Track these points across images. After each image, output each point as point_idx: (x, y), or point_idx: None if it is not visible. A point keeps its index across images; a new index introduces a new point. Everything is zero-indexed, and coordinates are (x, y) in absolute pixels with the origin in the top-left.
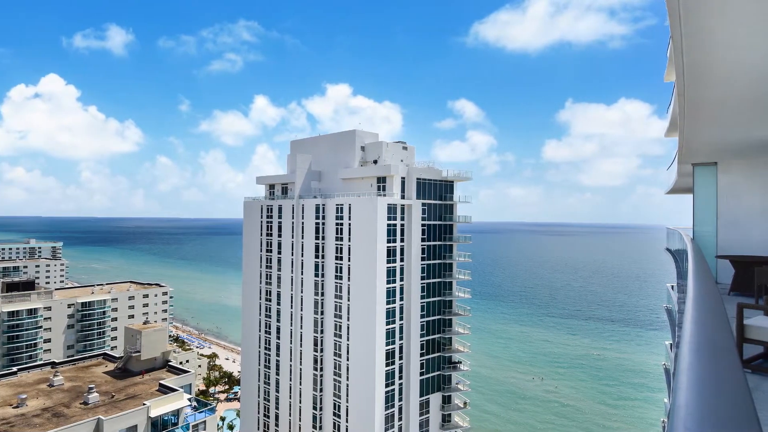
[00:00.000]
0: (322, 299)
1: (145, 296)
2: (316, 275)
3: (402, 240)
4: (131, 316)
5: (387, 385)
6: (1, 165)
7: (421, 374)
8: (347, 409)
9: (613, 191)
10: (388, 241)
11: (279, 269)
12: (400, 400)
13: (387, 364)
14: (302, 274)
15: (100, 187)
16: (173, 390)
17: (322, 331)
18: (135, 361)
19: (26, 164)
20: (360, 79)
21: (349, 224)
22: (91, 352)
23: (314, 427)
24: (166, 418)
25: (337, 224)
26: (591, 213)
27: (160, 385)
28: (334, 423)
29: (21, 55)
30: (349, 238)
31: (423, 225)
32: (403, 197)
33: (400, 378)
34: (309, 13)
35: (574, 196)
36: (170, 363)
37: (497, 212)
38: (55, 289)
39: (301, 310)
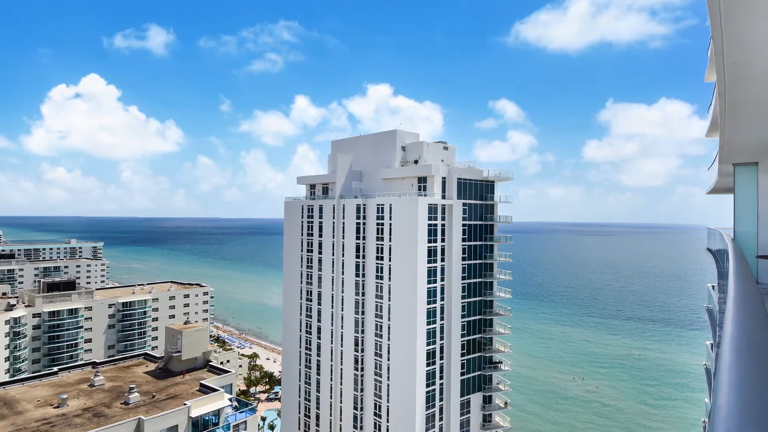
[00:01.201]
0: (363, 299)
1: (186, 296)
2: (357, 275)
3: (443, 240)
4: (172, 316)
5: (428, 386)
6: (41, 165)
7: (462, 374)
8: (388, 409)
9: (653, 191)
10: (429, 241)
11: (320, 269)
12: (441, 400)
13: (428, 365)
14: (343, 274)
15: (140, 187)
16: (214, 390)
17: (362, 331)
18: (176, 361)
19: (67, 164)
20: (401, 79)
21: (390, 224)
22: (132, 352)
23: (355, 427)
24: (206, 418)
25: (377, 224)
26: (631, 213)
27: (201, 385)
28: (375, 423)
29: (62, 55)
30: (390, 238)
31: (464, 225)
32: (443, 197)
33: (441, 378)
34: (349, 13)
35: (615, 196)
36: (211, 363)
37: (537, 212)
38: (96, 289)
39: (342, 310)
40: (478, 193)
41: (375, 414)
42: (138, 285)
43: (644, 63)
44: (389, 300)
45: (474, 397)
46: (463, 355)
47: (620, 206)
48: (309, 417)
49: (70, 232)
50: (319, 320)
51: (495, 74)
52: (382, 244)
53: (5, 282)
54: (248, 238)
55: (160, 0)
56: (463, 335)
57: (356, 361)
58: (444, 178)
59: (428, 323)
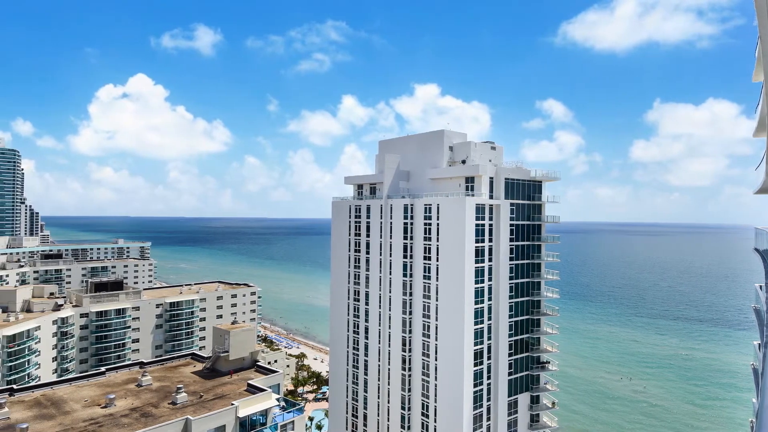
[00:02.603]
0: (411, 299)
1: (234, 296)
2: (405, 275)
3: (490, 240)
4: (219, 316)
5: (475, 385)
6: (89, 165)
7: (510, 374)
8: (435, 409)
9: (700, 191)
10: (477, 241)
11: (367, 269)
12: (489, 400)
13: (475, 365)
14: (390, 274)
15: (188, 187)
16: (261, 390)
17: (410, 331)
18: (223, 361)
19: (114, 164)
20: (448, 79)
21: (438, 224)
22: (180, 352)
23: (402, 427)
24: (254, 418)
25: (425, 224)
26: (678, 213)
27: (249, 385)
28: (423, 423)
29: (109, 55)
30: (438, 238)
31: (511, 225)
32: (491, 197)
33: (489, 378)
34: (397, 13)
35: (662, 196)
36: (258, 363)
37: (585, 212)
38: (144, 289)
39: (390, 310)
40: (525, 193)
41: (422, 414)
42: (185, 285)
43: (691, 63)
44: (437, 300)
45: (521, 397)
46: (510, 355)
47: (667, 206)
48: (356, 417)
49: (118, 232)
50: (366, 320)
51: (542, 74)
52: (430, 244)
53: (53, 282)
54: (295, 238)
55: (208, 0)
56: (510, 335)
57: (404, 361)
58: (491, 178)
59: (476, 323)
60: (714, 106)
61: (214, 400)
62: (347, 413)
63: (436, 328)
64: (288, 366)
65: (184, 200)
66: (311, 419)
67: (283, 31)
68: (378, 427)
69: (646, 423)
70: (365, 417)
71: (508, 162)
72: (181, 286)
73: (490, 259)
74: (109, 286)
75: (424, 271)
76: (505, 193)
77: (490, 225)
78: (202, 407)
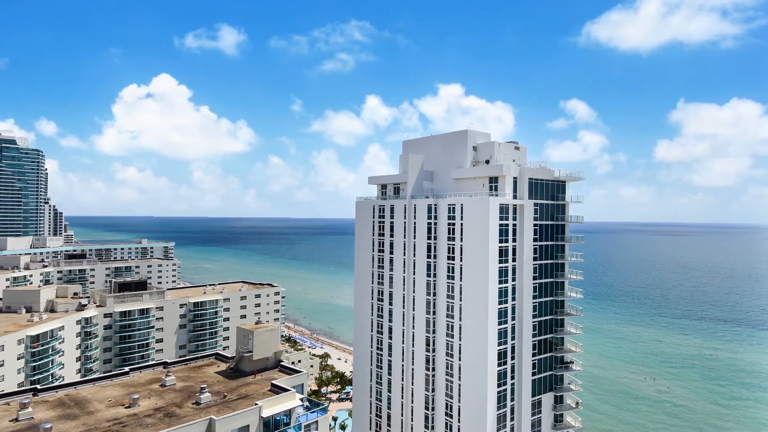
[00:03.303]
0: (434, 299)
1: (257, 296)
2: (428, 275)
3: (514, 240)
4: (243, 316)
5: (499, 385)
6: (113, 165)
7: (533, 374)
8: (459, 409)
9: (724, 191)
10: (501, 241)
11: (391, 269)
12: (512, 400)
13: (499, 365)
14: (414, 274)
15: (211, 187)
16: (285, 390)
17: (434, 331)
18: (247, 361)
19: (138, 164)
20: (472, 78)
21: (462, 224)
22: (203, 352)
23: (426, 427)
24: (278, 418)
25: (449, 224)
26: (702, 213)
27: (272, 385)
28: (446, 423)
29: (133, 56)
30: (462, 238)
31: (535, 225)
32: (515, 197)
33: (512, 378)
34: (421, 12)
35: (686, 196)
36: (282, 363)
37: (609, 212)
38: (168, 289)
39: (413, 310)
40: (549, 193)
41: (446, 414)
42: (209, 285)
43: (715, 63)
44: (460, 300)
45: (545, 397)
46: (534, 354)
47: (691, 206)
48: (380, 417)
49: (142, 232)
50: (390, 320)
51: (566, 74)
52: (453, 244)
53: (77, 282)
54: (319, 238)
55: (232, 0)
56: (534, 335)
57: (427, 361)
58: (515, 178)
59: (500, 323)
60: (738, 105)
61: (237, 400)
62: (371, 413)
63: (460, 328)
64: (312, 366)
65: (208, 200)
66: (335, 419)
67: (306, 31)
68: (402, 427)
69: (669, 423)
70: (389, 417)
71: (531, 162)
72: (205, 286)
73: (513, 260)
74: (133, 286)
75: (448, 271)
76: (528, 193)
77: (514, 225)
78: (225, 407)
